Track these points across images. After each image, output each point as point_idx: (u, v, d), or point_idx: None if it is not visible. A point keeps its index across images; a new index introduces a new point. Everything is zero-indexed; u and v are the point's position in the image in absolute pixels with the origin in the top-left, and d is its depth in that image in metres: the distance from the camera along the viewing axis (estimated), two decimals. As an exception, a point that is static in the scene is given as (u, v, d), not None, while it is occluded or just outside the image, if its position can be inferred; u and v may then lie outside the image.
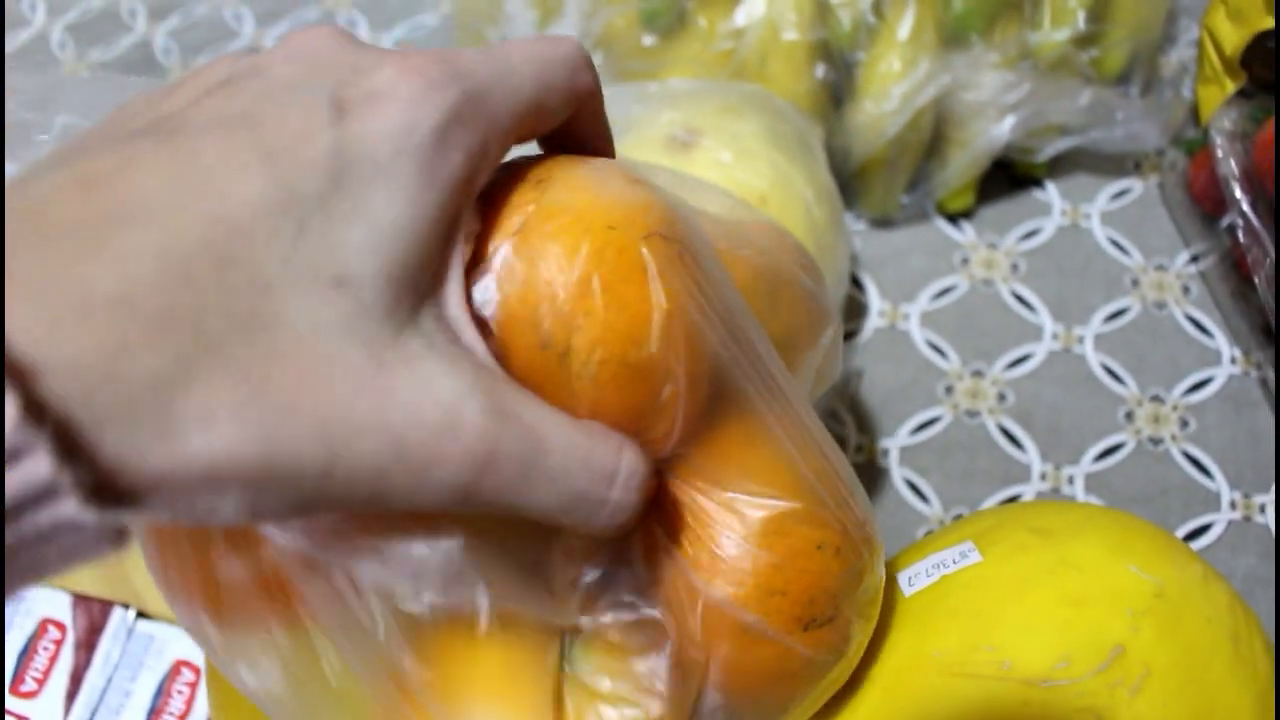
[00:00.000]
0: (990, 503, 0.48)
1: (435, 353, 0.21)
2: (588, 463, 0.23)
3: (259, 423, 0.18)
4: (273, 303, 0.19)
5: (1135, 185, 0.57)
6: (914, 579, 0.37)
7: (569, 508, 0.22)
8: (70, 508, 0.17)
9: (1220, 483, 0.48)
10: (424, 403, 0.20)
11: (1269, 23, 0.49)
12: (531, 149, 0.27)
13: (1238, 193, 0.49)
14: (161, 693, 0.44)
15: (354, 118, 0.21)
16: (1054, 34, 0.51)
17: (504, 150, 0.23)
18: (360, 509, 0.20)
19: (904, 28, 0.48)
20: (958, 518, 0.48)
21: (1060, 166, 0.57)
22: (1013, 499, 0.48)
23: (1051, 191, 0.56)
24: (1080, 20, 0.51)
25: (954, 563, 0.37)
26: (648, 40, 0.50)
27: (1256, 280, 0.48)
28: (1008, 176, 0.56)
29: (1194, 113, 0.57)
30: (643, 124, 0.48)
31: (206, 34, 0.69)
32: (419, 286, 0.21)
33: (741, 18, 0.49)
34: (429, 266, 0.21)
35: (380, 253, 0.20)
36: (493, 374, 0.22)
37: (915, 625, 0.35)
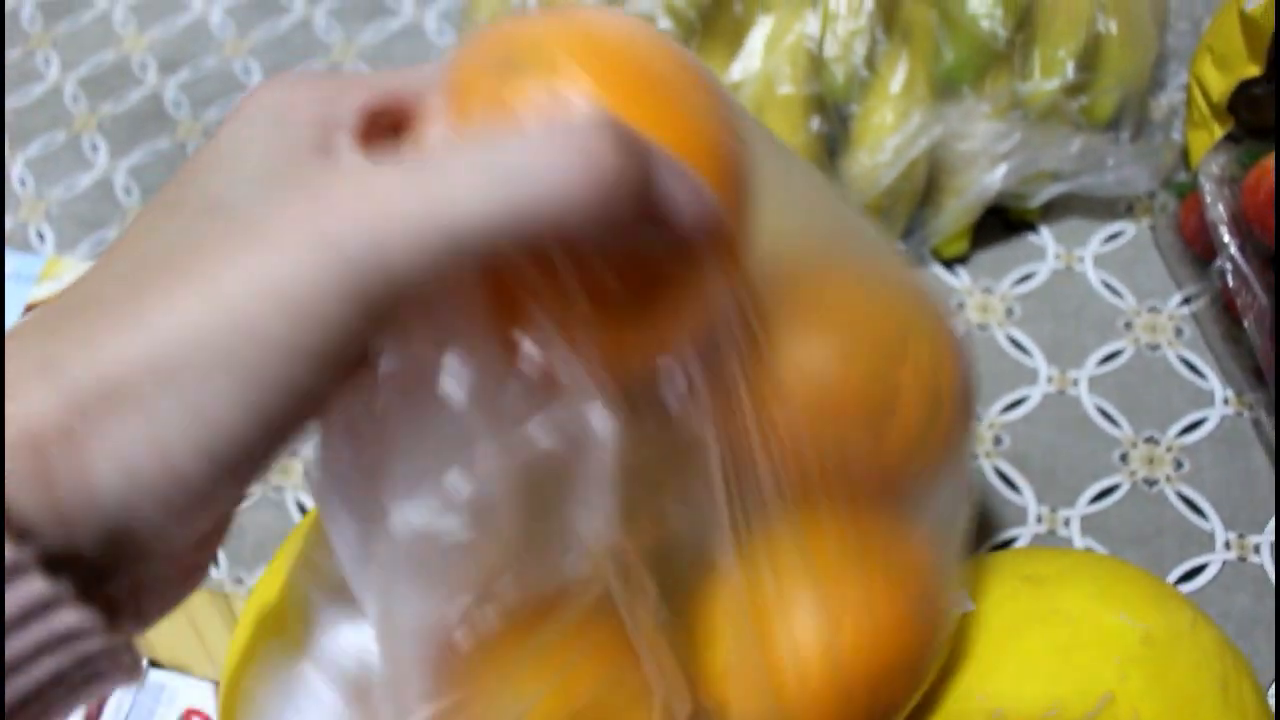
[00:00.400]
0: (987, 546, 0.49)
1: (296, 192, 0.20)
2: (496, 140, 0.20)
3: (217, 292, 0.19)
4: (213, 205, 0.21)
5: (1128, 228, 0.57)
6: None
7: (521, 195, 0.19)
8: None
9: (1215, 523, 0.49)
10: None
11: (1253, 70, 0.50)
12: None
13: (1226, 237, 0.50)
14: (173, 741, 0.44)
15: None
16: (1044, 84, 0.52)
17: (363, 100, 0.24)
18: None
19: (896, 81, 0.50)
20: (956, 560, 0.49)
21: (1053, 211, 0.58)
22: (1009, 542, 0.49)
23: (1045, 236, 0.57)
24: (1069, 70, 0.52)
25: None
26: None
27: (1246, 323, 0.49)
28: (1002, 222, 0.57)
29: (1184, 156, 0.58)
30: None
31: (217, 87, 0.71)
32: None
33: (737, 72, 0.50)
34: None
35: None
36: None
37: None
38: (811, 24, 0.49)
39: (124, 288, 0.20)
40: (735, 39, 0.51)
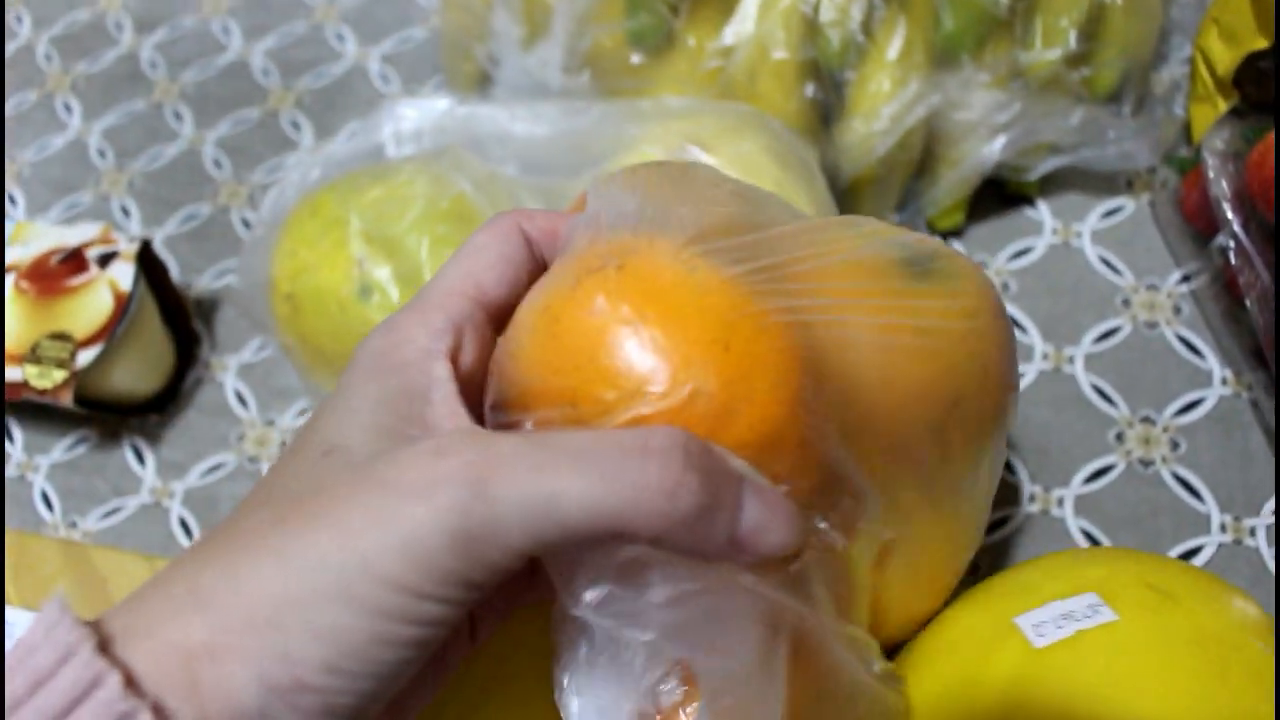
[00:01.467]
0: (980, 526, 0.48)
1: (415, 452, 0.23)
2: (597, 444, 0.23)
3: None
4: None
5: (1127, 204, 0.56)
6: (1041, 629, 0.35)
7: (605, 498, 0.22)
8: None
9: (1210, 506, 0.48)
10: (405, 481, 0.23)
11: (1261, 43, 0.49)
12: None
13: (1229, 213, 0.49)
14: None
15: None
16: (1045, 53, 0.50)
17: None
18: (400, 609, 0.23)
19: (894, 48, 0.48)
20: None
21: (1052, 184, 0.56)
22: (1002, 521, 0.48)
23: (1043, 210, 0.56)
24: (1072, 40, 0.50)
25: (1085, 618, 0.35)
26: (636, 59, 0.50)
27: (1248, 302, 0.48)
28: (998, 194, 0.56)
29: (1186, 131, 0.56)
30: (644, 141, 0.47)
31: (194, 47, 0.69)
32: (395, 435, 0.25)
33: (730, 36, 0.49)
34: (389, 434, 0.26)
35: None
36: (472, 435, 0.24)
37: (1057, 692, 0.33)
38: (808, -13, 0.47)
39: (259, 524, 0.23)
40: (728, 2, 0.49)
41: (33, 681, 0.21)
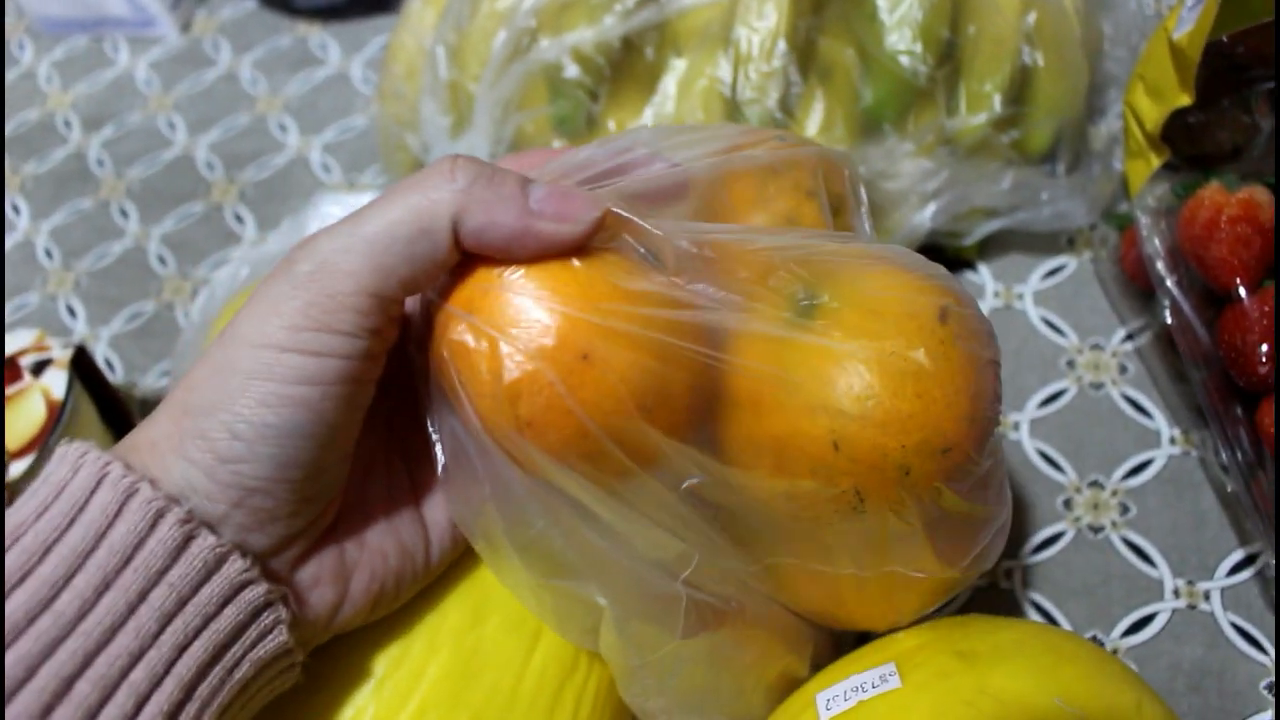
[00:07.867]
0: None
1: None
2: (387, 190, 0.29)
3: None
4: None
5: (1069, 262, 0.56)
6: (832, 702, 0.35)
7: (395, 207, 0.28)
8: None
9: (1163, 570, 0.47)
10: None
11: (1185, 100, 0.49)
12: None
13: (1163, 272, 0.48)
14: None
15: None
16: (971, 119, 0.50)
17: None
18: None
19: (813, 123, 0.48)
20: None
21: (991, 247, 0.56)
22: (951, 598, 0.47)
23: (984, 273, 0.56)
24: (997, 104, 0.50)
25: (873, 687, 0.35)
26: (558, 144, 0.50)
27: (1186, 361, 0.47)
28: (938, 260, 0.55)
29: (1124, 186, 0.56)
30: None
31: (140, 143, 0.69)
32: None
33: (650, 118, 0.48)
34: None
35: None
36: None
37: None
38: (724, 68, 0.47)
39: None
40: (648, 84, 0.49)
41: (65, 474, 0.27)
